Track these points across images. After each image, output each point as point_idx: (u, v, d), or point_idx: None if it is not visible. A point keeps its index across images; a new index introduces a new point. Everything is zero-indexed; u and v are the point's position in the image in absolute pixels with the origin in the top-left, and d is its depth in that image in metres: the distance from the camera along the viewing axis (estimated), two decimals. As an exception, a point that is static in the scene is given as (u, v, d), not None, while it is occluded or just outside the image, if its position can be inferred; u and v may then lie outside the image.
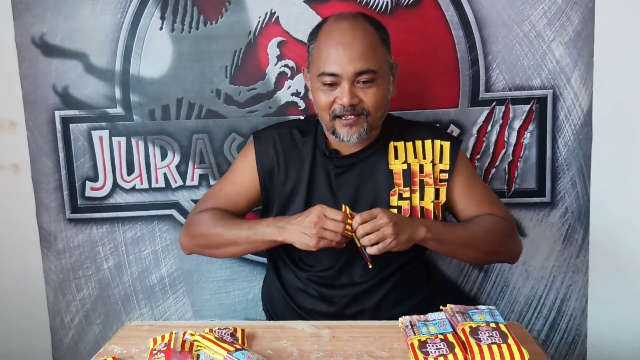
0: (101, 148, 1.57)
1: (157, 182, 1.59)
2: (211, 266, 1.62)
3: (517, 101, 1.53)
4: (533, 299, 1.62)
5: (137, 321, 1.32)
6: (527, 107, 1.53)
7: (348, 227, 1.13)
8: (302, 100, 1.54)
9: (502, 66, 1.52)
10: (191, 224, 1.32)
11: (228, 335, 1.01)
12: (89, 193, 1.59)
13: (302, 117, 1.45)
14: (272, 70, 1.53)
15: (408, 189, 1.27)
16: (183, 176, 1.58)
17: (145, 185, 1.59)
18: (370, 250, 1.12)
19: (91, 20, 1.52)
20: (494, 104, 1.53)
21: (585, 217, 1.57)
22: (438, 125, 1.53)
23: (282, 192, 1.31)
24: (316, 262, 1.29)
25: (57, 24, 1.52)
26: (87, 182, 1.59)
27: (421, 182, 1.27)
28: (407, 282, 1.30)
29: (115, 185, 1.59)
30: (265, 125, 1.42)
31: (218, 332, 1.01)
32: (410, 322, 1.00)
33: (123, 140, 1.57)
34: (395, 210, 1.24)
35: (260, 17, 1.51)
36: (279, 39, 1.52)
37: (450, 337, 0.91)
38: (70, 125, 1.56)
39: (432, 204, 1.27)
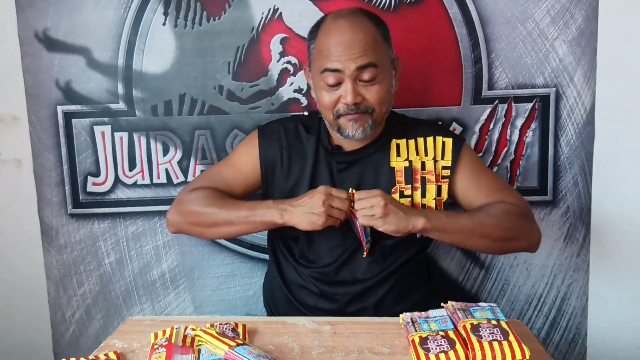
0: (103, 143, 1.57)
1: (158, 178, 1.59)
2: (212, 262, 1.62)
3: (519, 99, 1.53)
4: (534, 297, 1.61)
5: (138, 316, 1.32)
6: (529, 106, 1.53)
7: (351, 209, 1.17)
8: (304, 97, 1.54)
9: (505, 64, 1.51)
10: (183, 201, 1.30)
11: (229, 330, 1.01)
12: (90, 188, 1.59)
13: (306, 113, 1.45)
14: (275, 67, 1.53)
15: (410, 186, 1.27)
16: (185, 172, 1.58)
17: (147, 181, 1.59)
18: (361, 221, 1.15)
19: (94, 15, 1.52)
20: (496, 102, 1.53)
21: (587, 215, 1.57)
22: (440, 123, 1.53)
23: (283, 187, 1.31)
24: (317, 258, 1.29)
25: (60, 19, 1.52)
26: (89, 177, 1.59)
27: (423, 179, 1.27)
28: (409, 279, 1.30)
29: (117, 180, 1.59)
30: (267, 121, 1.42)
31: (219, 327, 1.01)
32: (412, 318, 1.01)
33: (125, 135, 1.57)
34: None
35: (263, 13, 1.51)
36: (282, 35, 1.52)
37: (451, 334, 0.91)
38: (73, 120, 1.56)
39: (434, 201, 1.27)
